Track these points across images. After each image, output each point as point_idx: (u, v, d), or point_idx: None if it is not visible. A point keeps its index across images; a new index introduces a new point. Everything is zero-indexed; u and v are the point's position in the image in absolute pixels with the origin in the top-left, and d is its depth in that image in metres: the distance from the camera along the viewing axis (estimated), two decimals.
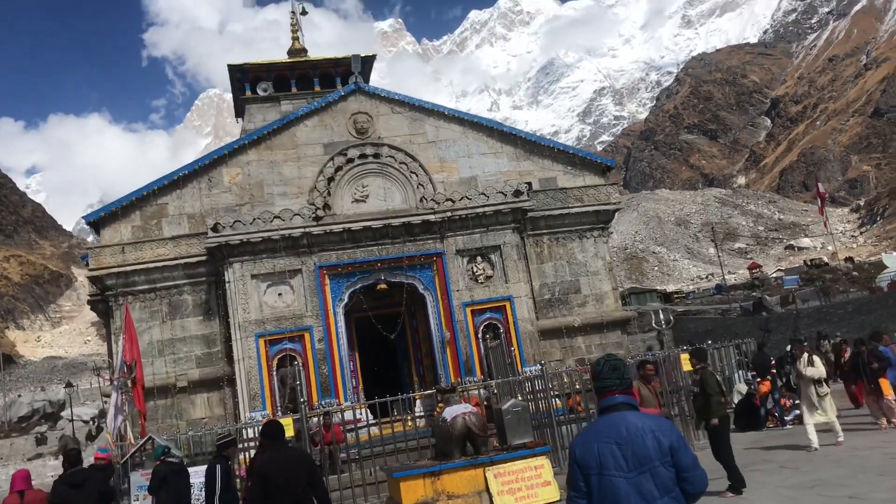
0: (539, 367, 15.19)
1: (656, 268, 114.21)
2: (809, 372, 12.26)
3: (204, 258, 19.34)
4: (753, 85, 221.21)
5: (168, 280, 19.48)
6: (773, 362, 17.29)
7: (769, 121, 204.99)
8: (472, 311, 19.54)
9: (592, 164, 22.33)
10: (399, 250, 19.33)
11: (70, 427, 48.44)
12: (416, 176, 20.16)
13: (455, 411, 11.73)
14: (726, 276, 72.91)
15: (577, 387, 15.56)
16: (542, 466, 11.74)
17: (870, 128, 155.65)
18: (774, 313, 47.81)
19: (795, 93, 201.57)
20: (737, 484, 9.51)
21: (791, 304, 47.84)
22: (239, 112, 28.91)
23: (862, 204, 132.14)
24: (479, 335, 19.51)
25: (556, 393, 15.98)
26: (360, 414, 15.59)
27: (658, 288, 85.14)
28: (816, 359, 12.54)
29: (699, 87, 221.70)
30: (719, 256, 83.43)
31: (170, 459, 10.21)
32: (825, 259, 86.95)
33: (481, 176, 21.20)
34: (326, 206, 19.39)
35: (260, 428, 7.07)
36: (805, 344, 14.47)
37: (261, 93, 27.71)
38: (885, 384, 13.13)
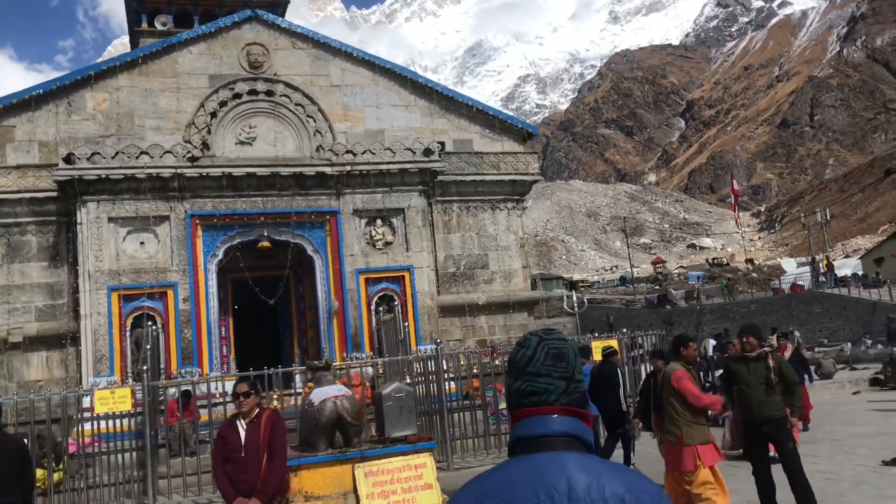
0: (435, 345, 13.23)
1: (564, 256, 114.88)
2: None
3: (55, 194, 16.43)
4: (671, 86, 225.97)
5: (9, 216, 16.48)
6: None
7: (683, 122, 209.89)
8: (367, 279, 17.40)
9: (513, 128, 20.41)
10: (287, 204, 16.92)
11: None
12: (314, 121, 17.73)
13: (325, 393, 9.59)
14: (631, 270, 73.27)
15: (476, 371, 13.74)
16: (423, 466, 9.75)
17: (776, 137, 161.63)
18: (678, 307, 47.74)
19: (710, 97, 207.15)
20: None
21: (695, 300, 47.81)
22: (135, 48, 25.79)
23: (763, 210, 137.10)
24: (373, 307, 17.43)
25: (452, 376, 14.12)
26: (223, 387, 13.23)
27: (564, 276, 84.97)
28: None
29: (620, 84, 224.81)
30: (629, 249, 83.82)
31: None
32: (725, 259, 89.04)
33: (389, 130, 18.96)
34: (205, 146, 16.74)
35: None
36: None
37: (159, 27, 24.76)
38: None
